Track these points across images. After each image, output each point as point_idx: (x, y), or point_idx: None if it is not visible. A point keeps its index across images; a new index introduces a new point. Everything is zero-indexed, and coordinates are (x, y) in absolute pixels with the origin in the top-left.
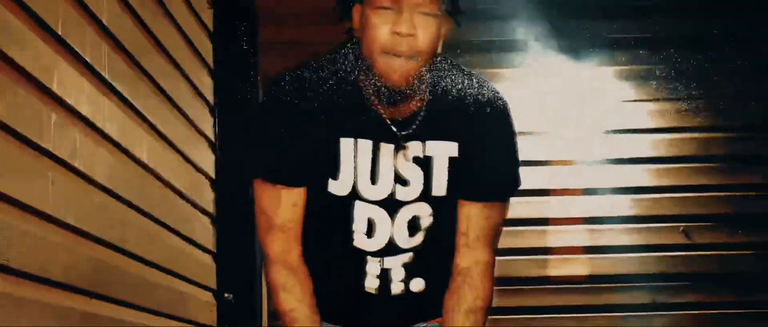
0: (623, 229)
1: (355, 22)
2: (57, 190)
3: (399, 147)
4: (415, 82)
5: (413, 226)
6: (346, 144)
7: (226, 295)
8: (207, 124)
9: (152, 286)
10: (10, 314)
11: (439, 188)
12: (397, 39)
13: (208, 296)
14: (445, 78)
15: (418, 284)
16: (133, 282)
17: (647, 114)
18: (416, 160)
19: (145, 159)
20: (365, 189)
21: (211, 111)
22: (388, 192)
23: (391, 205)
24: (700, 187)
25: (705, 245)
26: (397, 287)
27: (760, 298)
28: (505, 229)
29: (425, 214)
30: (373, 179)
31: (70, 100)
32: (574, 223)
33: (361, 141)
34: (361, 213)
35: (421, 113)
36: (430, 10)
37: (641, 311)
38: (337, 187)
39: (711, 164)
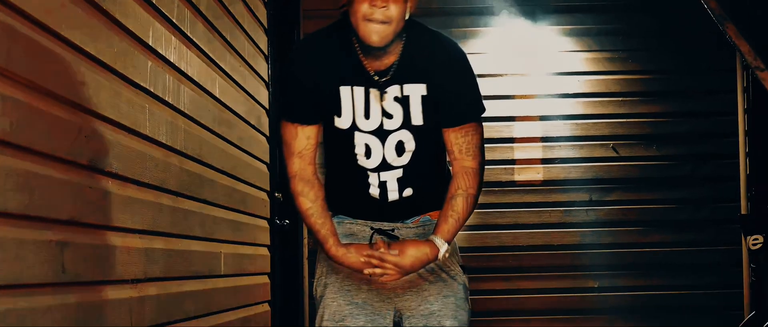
0: (568, 146)
1: None
2: (152, 117)
3: (383, 91)
4: (390, 41)
5: (399, 148)
6: (345, 91)
7: (276, 194)
8: (263, 69)
9: (224, 188)
10: (119, 209)
11: (417, 119)
12: (373, 9)
13: (263, 195)
14: (413, 36)
15: (408, 192)
16: (210, 185)
17: (584, 61)
18: (396, 99)
19: (217, 94)
20: (361, 123)
21: (266, 59)
22: (378, 124)
23: (381, 134)
24: (625, 114)
25: (628, 157)
26: (392, 195)
27: (667, 195)
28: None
29: (407, 139)
30: (367, 115)
31: (161, 51)
32: (533, 142)
33: (355, 88)
34: (359, 140)
35: (395, 65)
36: None
37: (581, 207)
38: (341, 122)
39: (631, 98)
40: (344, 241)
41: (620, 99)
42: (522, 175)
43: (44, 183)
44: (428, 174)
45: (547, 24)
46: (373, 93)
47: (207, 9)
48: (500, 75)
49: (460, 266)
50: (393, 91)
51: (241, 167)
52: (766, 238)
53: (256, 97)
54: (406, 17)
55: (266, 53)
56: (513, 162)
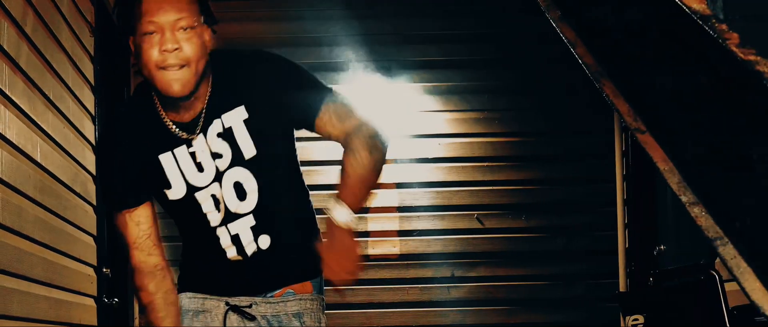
0: (428, 216)
1: (133, 52)
2: None
3: (205, 136)
4: (195, 86)
5: (239, 190)
6: (166, 158)
7: (104, 269)
8: (89, 131)
9: (45, 263)
10: None
11: (248, 150)
12: (165, 55)
13: (90, 271)
14: (219, 68)
15: (265, 241)
16: (30, 259)
17: (446, 122)
18: (219, 135)
19: (38, 158)
20: (197, 180)
21: (92, 120)
22: (213, 175)
23: (217, 177)
24: (491, 181)
25: (495, 229)
26: (250, 248)
27: (539, 271)
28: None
29: (245, 177)
30: (200, 169)
31: None
32: (389, 212)
33: (176, 150)
34: (202, 197)
35: (207, 105)
36: (188, 24)
37: (443, 283)
38: (174, 193)
39: (498, 163)
40: (196, 320)
41: (486, 164)
42: (377, 248)
43: None
44: (285, 218)
45: (404, 81)
46: (197, 144)
47: (27, 64)
48: None
49: None
50: (213, 128)
51: (65, 240)
52: (646, 318)
53: (81, 162)
54: (209, 48)
55: (93, 113)
56: (367, 234)
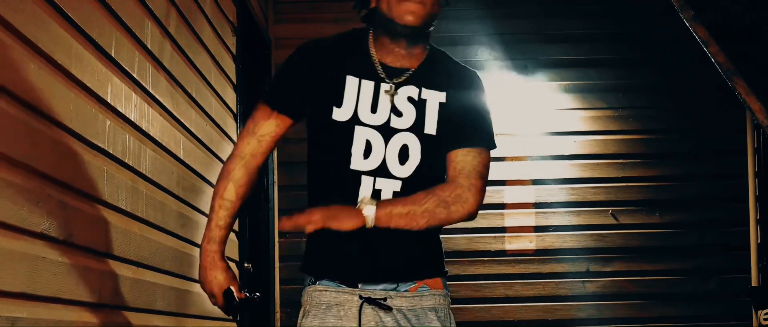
0: (564, 212)
1: None
2: (111, 180)
3: (396, 88)
4: (424, 24)
5: (403, 154)
6: (351, 81)
7: (246, 264)
8: (231, 128)
9: (189, 258)
10: (75, 281)
11: (430, 126)
12: None
13: (232, 265)
14: (436, 52)
15: None
16: (172, 254)
17: (581, 120)
18: (410, 100)
19: (181, 156)
20: (364, 116)
21: (234, 117)
22: (385, 119)
23: (386, 131)
24: (624, 178)
25: (629, 225)
26: None
27: (672, 266)
28: None
29: (414, 145)
30: (373, 109)
31: (120, 109)
32: (526, 208)
33: (364, 81)
34: (359, 135)
35: (417, 68)
36: None
37: (579, 278)
38: (340, 114)
39: (632, 160)
40: (329, 314)
41: (620, 161)
42: (513, 243)
43: None
44: None
45: (541, 79)
46: (384, 88)
47: (170, 63)
48: None
49: None
50: (408, 91)
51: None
52: None
53: (223, 158)
54: (438, 12)
55: (235, 111)
56: (504, 229)
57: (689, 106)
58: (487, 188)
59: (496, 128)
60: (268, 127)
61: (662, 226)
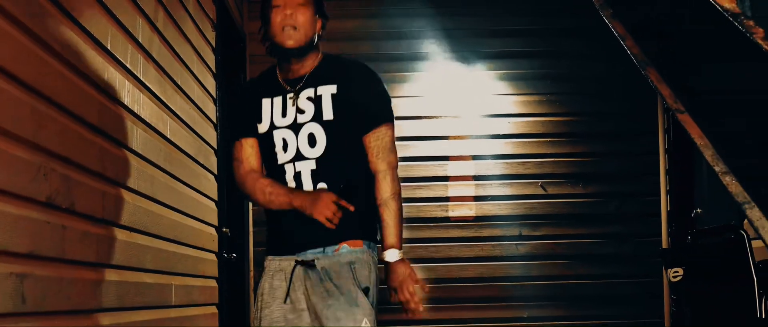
0: (500, 184)
1: (262, 22)
2: (106, 156)
3: (297, 94)
4: (303, 45)
5: (311, 140)
6: (265, 102)
7: (224, 229)
8: (211, 111)
9: (174, 223)
10: (75, 243)
11: (327, 114)
12: (284, 18)
13: (211, 230)
14: (328, 57)
15: (322, 186)
16: (160, 221)
17: (514, 104)
18: (309, 99)
19: (168, 135)
20: (278, 121)
21: (214, 102)
22: (292, 120)
23: (295, 127)
24: (552, 154)
25: (556, 195)
26: (307, 185)
27: (594, 231)
28: (419, 183)
29: (318, 132)
30: (283, 114)
31: (115, 94)
32: (466, 180)
33: (274, 98)
34: (277, 136)
35: (310, 74)
36: (303, 2)
37: (512, 241)
38: (262, 127)
39: (559, 139)
40: (276, 278)
41: (549, 140)
42: (455, 211)
43: (4, 218)
44: (341, 177)
45: (480, 69)
46: (289, 97)
47: (158, 55)
48: (435, 117)
49: (364, 288)
50: (306, 93)
51: (191, 204)
52: (685, 271)
53: (205, 137)
54: (318, 32)
55: (214, 96)
56: (447, 199)
57: (609, 93)
58: (433, 163)
59: (441, 111)
60: (246, 150)
61: (585, 196)
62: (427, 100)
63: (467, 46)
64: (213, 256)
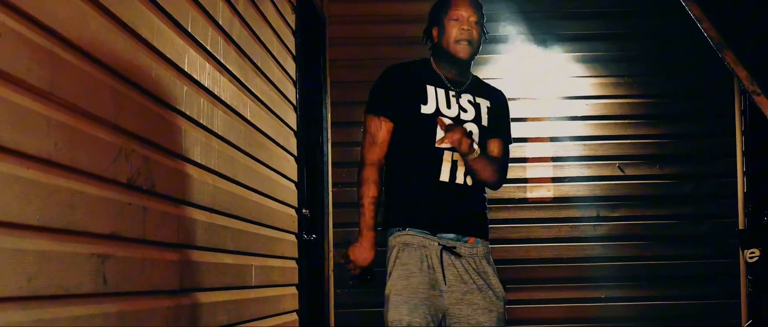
0: (578, 165)
1: (435, 35)
2: (188, 138)
3: (458, 95)
4: (470, 57)
5: (470, 136)
6: (430, 88)
7: (304, 210)
8: (291, 94)
9: (254, 204)
10: (156, 224)
11: (484, 120)
12: (464, 33)
13: (291, 211)
14: (476, 78)
15: (470, 180)
16: (241, 203)
17: (592, 86)
18: (470, 102)
19: (248, 117)
20: (443, 109)
21: (294, 84)
22: (456, 113)
23: (458, 121)
24: (629, 136)
25: (633, 176)
26: (460, 176)
27: (671, 212)
28: None
29: (476, 132)
30: (448, 105)
31: (195, 76)
32: (544, 162)
33: (438, 88)
34: (441, 125)
35: (468, 83)
36: (477, 20)
37: (590, 222)
38: (427, 109)
39: (636, 121)
40: (415, 253)
41: (626, 121)
42: (534, 192)
43: (86, 200)
44: (483, 180)
45: (558, 51)
46: (452, 95)
47: (238, 37)
48: (514, 99)
49: (501, 282)
50: (467, 96)
51: (270, 185)
52: (762, 252)
53: (284, 119)
54: (480, 45)
55: (294, 79)
56: (525, 181)
57: (686, 74)
58: (511, 145)
59: (519, 93)
60: (383, 134)
61: (662, 178)
62: (505, 83)
63: (544, 28)
64: (293, 237)
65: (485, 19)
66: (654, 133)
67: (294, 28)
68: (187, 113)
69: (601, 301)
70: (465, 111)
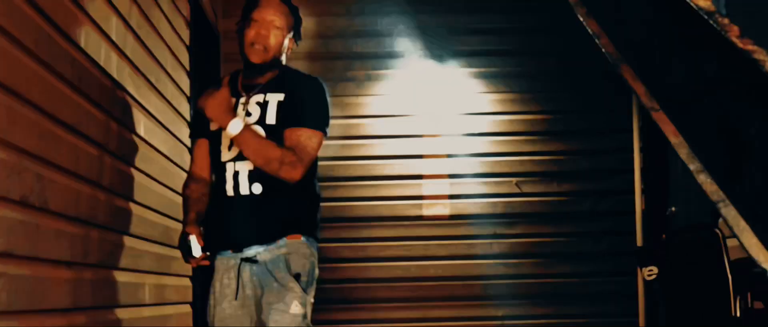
0: (475, 182)
1: (238, 31)
2: (80, 155)
3: (248, 97)
4: (266, 61)
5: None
6: None
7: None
8: (185, 109)
9: (149, 222)
10: (50, 242)
11: (270, 118)
12: (259, 37)
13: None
14: (288, 71)
15: (257, 188)
16: (136, 220)
17: (490, 102)
18: (257, 103)
19: (142, 134)
20: None
21: (188, 100)
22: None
23: None
24: (528, 152)
25: (531, 193)
26: (243, 188)
27: (568, 229)
28: (393, 181)
29: (261, 132)
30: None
31: (89, 93)
32: (441, 178)
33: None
34: (224, 135)
35: (264, 83)
36: (279, 25)
37: (486, 239)
38: (213, 125)
39: (533, 137)
40: (226, 276)
41: (523, 138)
42: (430, 210)
43: None
44: (281, 180)
45: (455, 66)
46: (241, 101)
47: (133, 53)
48: (410, 115)
49: (295, 274)
50: (256, 97)
51: (165, 202)
52: (660, 270)
53: (178, 136)
54: (284, 52)
55: (188, 94)
56: (421, 198)
57: (584, 91)
58: (407, 161)
59: (415, 109)
60: (196, 151)
61: (560, 195)
62: (401, 98)
63: (442, 43)
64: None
65: (301, 23)
66: (552, 150)
67: (188, 43)
68: (80, 130)
69: (499, 320)
70: (250, 115)
